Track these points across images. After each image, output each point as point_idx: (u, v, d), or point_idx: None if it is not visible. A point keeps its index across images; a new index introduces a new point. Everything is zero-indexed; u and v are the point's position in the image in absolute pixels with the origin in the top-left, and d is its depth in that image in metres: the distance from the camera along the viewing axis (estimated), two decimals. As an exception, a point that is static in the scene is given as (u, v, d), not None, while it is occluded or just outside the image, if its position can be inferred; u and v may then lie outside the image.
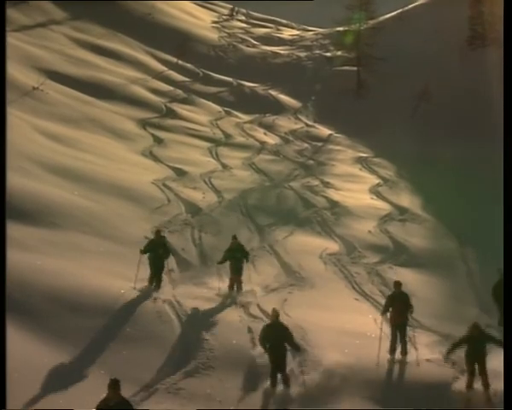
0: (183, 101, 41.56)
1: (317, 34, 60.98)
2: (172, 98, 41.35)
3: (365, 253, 22.70)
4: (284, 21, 68.19)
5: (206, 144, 34.77)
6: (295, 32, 64.24)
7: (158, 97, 40.41)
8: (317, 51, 55.71)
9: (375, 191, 31.13)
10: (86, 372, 12.69)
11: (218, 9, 67.12)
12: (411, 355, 14.52)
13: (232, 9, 67.45)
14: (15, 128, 25.27)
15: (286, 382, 13.14)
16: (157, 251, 17.31)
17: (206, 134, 36.56)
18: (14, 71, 32.07)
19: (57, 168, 24.26)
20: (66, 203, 21.45)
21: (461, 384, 13.50)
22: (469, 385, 13.17)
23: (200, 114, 40.11)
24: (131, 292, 16.16)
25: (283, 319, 15.90)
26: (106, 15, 49.48)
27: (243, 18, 66.47)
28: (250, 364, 13.79)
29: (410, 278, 20.55)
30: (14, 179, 20.16)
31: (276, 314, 13.55)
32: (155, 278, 17.18)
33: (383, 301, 17.10)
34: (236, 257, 17.99)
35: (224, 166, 31.42)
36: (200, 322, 15.52)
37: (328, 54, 54.38)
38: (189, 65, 48.29)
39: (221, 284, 18.08)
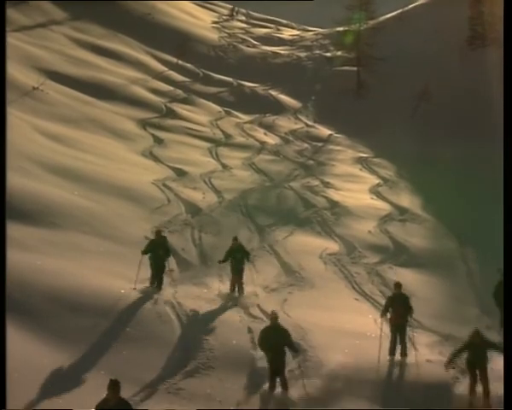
0: (183, 101, 41.57)
1: (317, 34, 60.99)
2: (172, 98, 41.36)
3: (365, 253, 22.70)
4: (284, 21, 68.21)
5: (207, 144, 34.77)
6: (295, 32, 64.25)
7: (158, 97, 40.41)
8: (317, 51, 55.72)
9: (375, 191, 31.13)
10: (86, 372, 12.67)
11: (218, 9, 67.13)
12: (411, 356, 14.50)
13: (232, 9, 67.46)
14: (15, 128, 25.28)
15: (284, 386, 12.99)
16: (158, 251, 17.26)
17: (207, 134, 36.56)
18: (14, 71, 32.07)
19: (57, 168, 24.26)
20: (66, 203, 21.45)
21: (461, 387, 13.47)
22: (472, 391, 13.08)
23: (201, 115, 40.11)
24: (132, 292, 16.16)
25: (283, 319, 15.94)
26: (106, 15, 49.48)
27: (243, 18, 66.48)
28: (250, 364, 13.78)
29: (410, 279, 20.56)
30: (14, 179, 20.16)
31: (274, 317, 13.45)
32: (156, 278, 17.14)
33: (383, 302, 17.11)
34: (237, 258, 17.87)
35: (224, 167, 31.42)
36: (200, 322, 15.52)
37: (329, 54, 54.39)
38: (189, 65, 48.29)
39: (221, 284, 18.08)
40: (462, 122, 41.52)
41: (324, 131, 42.19)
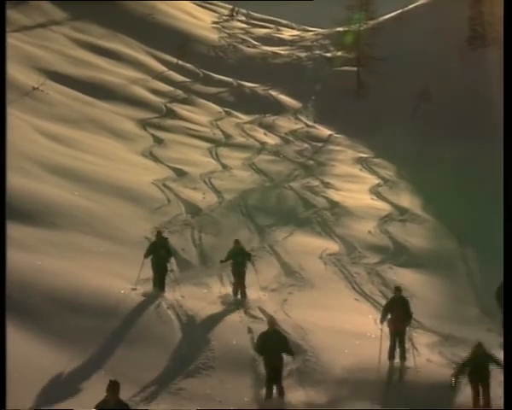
0: (184, 101, 41.58)
1: (317, 34, 61.01)
2: (172, 98, 41.37)
3: (365, 253, 22.69)
4: (284, 22, 68.22)
5: (207, 145, 34.77)
6: (295, 32, 64.29)
7: (158, 98, 40.42)
8: (317, 51, 55.74)
9: (375, 192, 31.13)
10: (86, 372, 12.67)
11: (218, 10, 67.16)
12: (411, 358, 14.44)
13: (232, 10, 67.47)
14: (15, 128, 25.27)
15: (281, 394, 12.83)
16: (159, 253, 17.12)
17: (207, 134, 36.57)
18: (14, 71, 32.07)
19: (57, 168, 24.26)
20: (66, 203, 21.45)
21: (461, 386, 13.40)
22: (475, 404, 12.96)
23: (201, 115, 40.12)
24: (132, 292, 16.16)
25: (283, 319, 15.97)
26: (106, 16, 49.49)
27: (243, 18, 66.50)
28: (250, 364, 13.77)
29: (410, 279, 20.58)
30: (14, 179, 20.16)
31: (272, 322, 13.35)
32: (158, 279, 16.95)
33: (383, 302, 17.12)
34: (237, 261, 17.60)
35: (224, 167, 31.42)
36: (200, 322, 15.51)
37: (329, 54, 54.41)
38: (189, 65, 48.31)
39: (221, 284, 18.06)
40: (462, 122, 41.54)
41: (324, 132, 42.20)
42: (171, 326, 15.01)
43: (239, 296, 17.38)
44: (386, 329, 14.87)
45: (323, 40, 58.12)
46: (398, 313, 14.49)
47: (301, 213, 26.65)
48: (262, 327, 13.96)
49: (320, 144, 39.55)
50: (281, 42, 58.93)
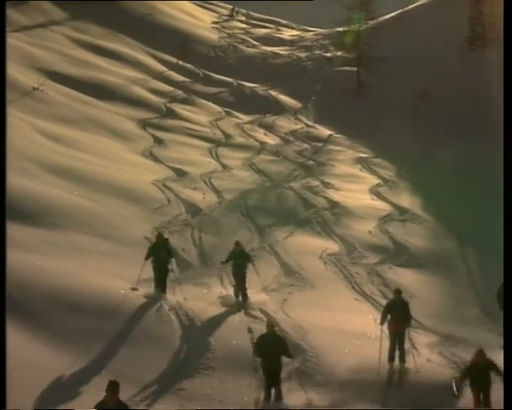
0: (184, 101, 41.56)
1: (317, 34, 60.98)
2: (172, 99, 41.35)
3: (365, 253, 22.70)
4: (284, 22, 68.17)
5: (207, 145, 34.76)
6: (295, 32, 64.24)
7: (158, 98, 40.40)
8: (317, 52, 55.71)
9: (375, 192, 31.14)
10: (86, 372, 12.68)
11: (218, 10, 67.12)
12: (411, 358, 14.43)
13: (232, 10, 67.44)
14: (15, 128, 25.27)
15: (278, 398, 12.76)
16: (159, 254, 17.02)
17: (207, 134, 36.55)
18: (14, 71, 32.06)
19: (57, 169, 24.26)
20: (66, 203, 21.44)
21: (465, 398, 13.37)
22: (476, 407, 12.92)
23: (201, 115, 40.10)
24: (132, 293, 16.15)
25: (283, 319, 15.98)
26: (106, 16, 49.47)
27: (243, 18, 66.46)
28: (250, 364, 13.77)
29: (410, 279, 20.60)
30: (14, 180, 20.14)
31: (271, 325, 13.28)
32: (160, 281, 16.86)
33: (383, 302, 17.14)
34: (238, 263, 17.49)
35: (224, 167, 31.41)
36: (200, 322, 15.51)
37: (329, 54, 54.38)
38: (189, 65, 48.29)
39: (221, 284, 18.05)
40: (462, 122, 41.53)
41: (324, 132, 42.19)
42: (171, 326, 15.01)
43: (240, 298, 17.30)
44: (386, 329, 14.88)
45: (323, 40, 58.09)
46: (397, 315, 14.44)
47: (301, 213, 26.65)
48: (262, 327, 13.97)
49: (320, 144, 39.55)
50: (281, 42, 58.91)
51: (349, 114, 44.05)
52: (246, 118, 41.70)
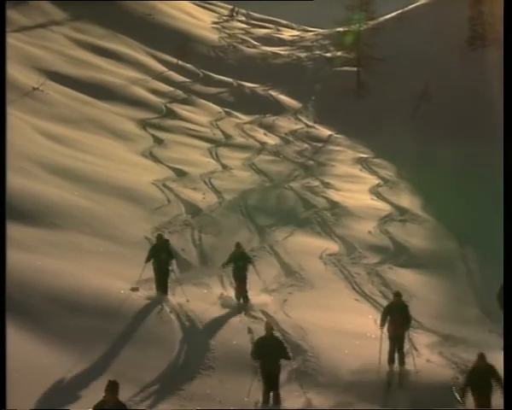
0: (184, 101, 41.57)
1: (317, 35, 61.01)
2: (172, 99, 41.36)
3: (365, 253, 22.69)
4: (284, 22, 68.22)
5: (207, 145, 34.76)
6: (295, 32, 64.28)
7: (158, 98, 40.41)
8: (317, 52, 55.73)
9: (375, 192, 31.14)
10: (86, 373, 12.68)
11: (218, 10, 67.15)
12: (411, 358, 14.41)
13: (232, 10, 67.47)
14: (15, 128, 25.27)
15: (277, 402, 12.69)
16: (160, 256, 16.94)
17: (207, 135, 36.55)
18: (14, 71, 32.06)
19: (57, 169, 24.25)
20: (66, 203, 21.44)
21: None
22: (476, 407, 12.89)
23: (201, 115, 40.11)
24: (132, 293, 16.14)
25: (283, 319, 15.97)
26: (106, 16, 49.48)
27: (243, 18, 66.50)
28: (250, 364, 13.76)
29: (410, 279, 20.59)
30: (14, 180, 20.14)
31: (269, 328, 13.20)
32: (161, 282, 16.77)
33: (383, 302, 17.14)
34: (238, 265, 17.41)
35: (224, 167, 31.41)
36: (200, 323, 15.51)
37: (329, 54, 54.40)
38: (189, 65, 48.30)
39: (221, 285, 18.04)
40: (462, 122, 41.54)
41: (324, 132, 42.20)
42: (171, 326, 15.01)
43: (241, 301, 17.20)
44: (385, 329, 14.86)
45: (323, 40, 58.12)
46: (397, 317, 14.36)
47: (301, 213, 26.65)
48: (262, 327, 13.94)
49: (320, 144, 39.56)
50: (281, 42, 58.93)
51: (349, 114, 44.06)
52: (246, 118, 41.71)
